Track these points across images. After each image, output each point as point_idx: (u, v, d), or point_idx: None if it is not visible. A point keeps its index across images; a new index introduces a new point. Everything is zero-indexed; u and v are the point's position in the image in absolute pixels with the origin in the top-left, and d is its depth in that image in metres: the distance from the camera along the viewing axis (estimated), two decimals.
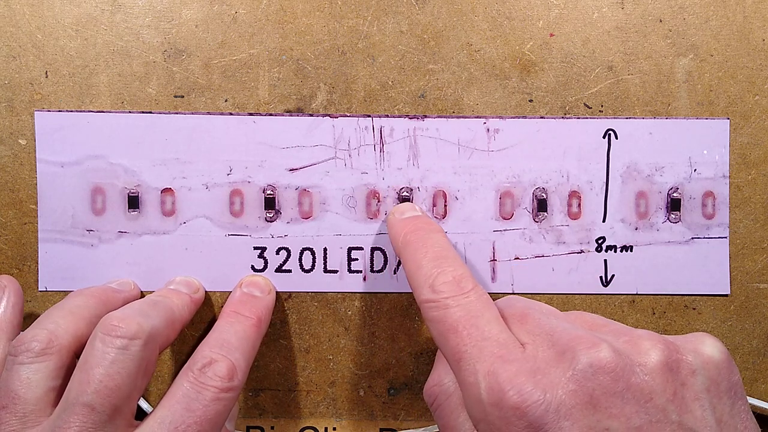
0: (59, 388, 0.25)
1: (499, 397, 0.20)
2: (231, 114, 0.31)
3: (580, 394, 0.20)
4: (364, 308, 0.32)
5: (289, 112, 0.31)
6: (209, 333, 0.27)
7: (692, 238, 0.32)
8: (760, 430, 0.22)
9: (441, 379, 0.26)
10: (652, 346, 0.21)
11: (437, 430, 0.32)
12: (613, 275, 0.32)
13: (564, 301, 0.32)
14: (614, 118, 0.31)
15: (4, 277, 0.29)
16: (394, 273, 0.32)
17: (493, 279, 0.32)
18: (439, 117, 0.31)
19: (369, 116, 0.31)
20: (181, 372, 0.25)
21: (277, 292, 0.31)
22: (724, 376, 0.21)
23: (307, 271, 0.32)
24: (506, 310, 0.24)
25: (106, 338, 0.24)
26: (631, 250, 0.32)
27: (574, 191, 0.31)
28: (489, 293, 0.31)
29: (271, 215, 0.31)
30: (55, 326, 0.25)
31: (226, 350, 0.26)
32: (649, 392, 0.20)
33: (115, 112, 0.31)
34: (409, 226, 0.28)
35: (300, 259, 0.31)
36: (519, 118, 0.31)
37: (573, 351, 0.21)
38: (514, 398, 0.20)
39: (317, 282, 0.32)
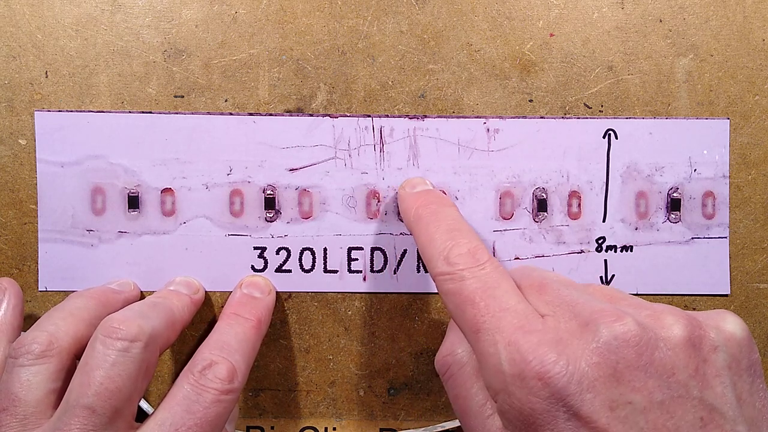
0: (59, 390, 0.25)
1: (522, 368, 0.20)
2: (231, 114, 0.31)
3: (604, 367, 0.20)
4: (364, 308, 0.32)
5: (289, 112, 0.31)
6: (209, 335, 0.27)
7: (692, 238, 0.32)
8: None
9: (454, 348, 0.25)
10: (675, 321, 0.21)
11: (438, 429, 0.32)
12: (613, 275, 0.32)
13: None
14: (614, 118, 0.31)
15: (5, 280, 0.29)
16: (394, 273, 0.32)
17: None
18: (439, 117, 0.31)
19: (369, 116, 0.31)
20: (181, 374, 0.25)
21: (277, 293, 0.31)
22: (744, 353, 0.21)
23: (307, 271, 0.32)
24: (523, 281, 0.24)
25: (107, 340, 0.24)
26: (631, 250, 0.32)
27: (574, 191, 0.31)
28: None
29: (271, 215, 0.31)
30: (55, 328, 0.25)
31: (226, 352, 0.26)
32: (672, 367, 0.20)
33: (115, 112, 0.31)
34: (421, 200, 0.28)
35: (300, 259, 0.31)
36: (519, 118, 0.31)
37: (596, 323, 0.21)
38: (537, 368, 0.20)
39: (317, 282, 0.32)
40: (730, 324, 0.22)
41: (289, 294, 0.32)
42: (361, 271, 0.32)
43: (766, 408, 0.21)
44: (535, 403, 0.20)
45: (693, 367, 0.20)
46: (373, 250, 0.32)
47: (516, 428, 0.21)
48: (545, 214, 0.31)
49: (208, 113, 0.31)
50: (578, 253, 0.32)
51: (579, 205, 0.31)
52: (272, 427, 0.32)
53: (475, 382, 0.24)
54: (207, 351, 0.26)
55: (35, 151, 0.31)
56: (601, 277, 0.32)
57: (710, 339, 0.21)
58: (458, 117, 0.31)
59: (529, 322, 0.21)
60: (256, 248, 0.31)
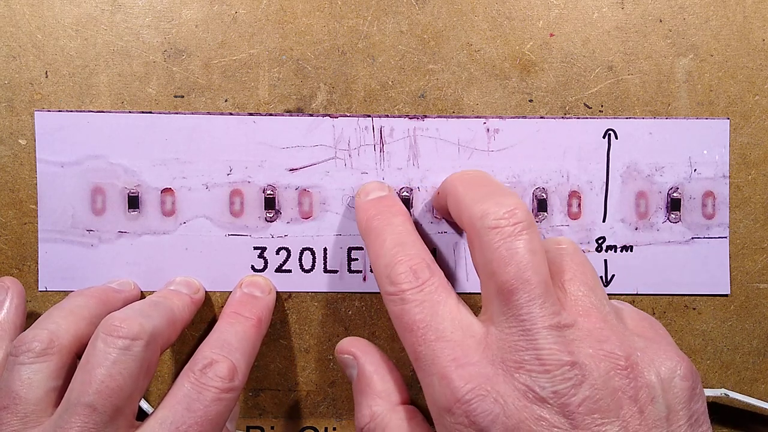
0: (60, 389, 0.25)
1: (451, 403, 0.21)
2: (231, 114, 0.31)
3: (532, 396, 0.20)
4: (364, 308, 0.32)
5: (289, 112, 0.31)
6: (210, 334, 0.27)
7: (692, 238, 0.32)
8: None
9: (372, 410, 0.25)
10: (608, 365, 0.21)
11: None
12: (613, 275, 0.32)
13: None
14: (614, 118, 0.31)
15: (7, 279, 0.29)
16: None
17: None
18: (439, 117, 0.31)
19: (369, 116, 0.31)
20: (181, 373, 0.25)
21: (277, 292, 0.31)
22: (684, 404, 0.21)
23: (307, 271, 0.32)
24: (495, 272, 0.23)
25: (108, 338, 0.24)
26: (631, 250, 0.32)
27: (574, 191, 0.31)
28: None
29: (271, 215, 0.31)
30: (56, 326, 0.25)
31: (226, 351, 0.26)
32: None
33: (115, 112, 0.31)
34: (372, 210, 0.27)
35: (300, 259, 0.31)
36: (519, 118, 0.31)
37: (526, 370, 0.21)
38: (464, 406, 0.20)
39: (317, 282, 0.32)
40: (671, 368, 0.22)
41: (289, 294, 0.32)
42: (361, 271, 0.32)
43: None
44: None
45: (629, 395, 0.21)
46: None
47: None
48: (545, 214, 0.31)
49: (208, 113, 0.31)
50: None
51: (579, 205, 0.31)
52: (272, 427, 0.32)
53: None
54: (207, 350, 0.26)
55: (35, 151, 0.31)
56: (601, 277, 0.32)
57: (649, 386, 0.21)
58: (458, 117, 0.31)
59: (464, 354, 0.22)
60: (256, 248, 0.31)
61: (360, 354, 0.26)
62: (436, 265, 0.25)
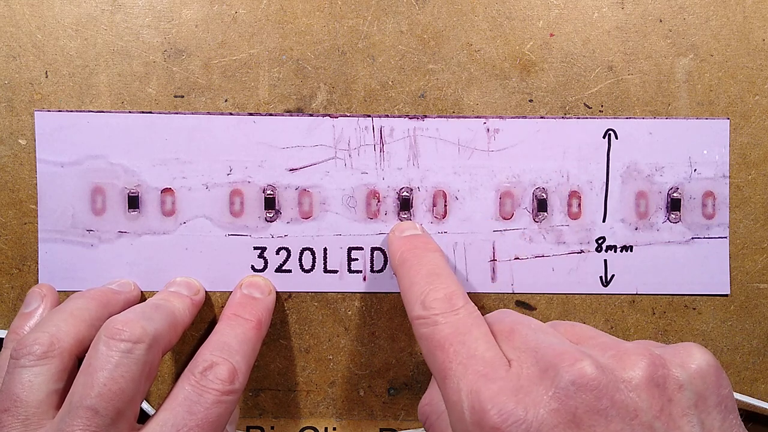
0: (61, 391, 0.25)
1: (481, 416, 0.20)
2: (231, 114, 0.31)
3: (563, 413, 0.19)
4: (364, 308, 0.32)
5: (289, 112, 0.31)
6: (210, 336, 0.27)
7: (692, 238, 0.32)
8: None
9: (432, 397, 0.26)
10: (637, 361, 0.21)
11: None
12: (613, 275, 0.32)
13: (564, 301, 0.32)
14: (614, 118, 0.31)
15: (44, 287, 0.30)
16: (394, 273, 0.32)
17: (493, 279, 0.32)
18: (439, 117, 0.31)
19: (369, 116, 0.31)
20: (182, 375, 0.25)
21: (277, 293, 0.31)
22: (712, 389, 0.21)
23: (307, 271, 0.32)
24: (495, 326, 0.24)
25: (110, 342, 0.24)
26: (631, 250, 0.32)
27: (574, 191, 0.31)
28: (489, 293, 0.32)
29: (271, 215, 0.31)
30: (57, 329, 0.25)
31: (226, 353, 0.26)
32: (635, 409, 0.20)
33: (115, 112, 0.31)
34: (407, 245, 0.28)
35: (300, 259, 0.31)
36: (519, 118, 0.31)
37: (555, 368, 0.20)
38: (495, 418, 0.20)
39: (317, 282, 0.32)
40: (696, 359, 0.21)
41: (289, 294, 0.32)
42: (361, 271, 0.32)
43: None
44: None
45: (657, 407, 0.20)
46: (373, 250, 0.32)
47: None
48: (545, 214, 0.31)
49: (208, 113, 0.31)
50: (578, 253, 0.32)
51: (579, 205, 0.31)
52: (272, 427, 0.32)
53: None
54: (208, 352, 0.26)
55: (35, 151, 0.31)
56: (601, 277, 0.32)
57: (674, 377, 0.20)
58: (458, 117, 0.31)
59: (494, 370, 0.21)
60: (256, 248, 0.31)
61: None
62: (469, 299, 0.25)
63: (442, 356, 0.22)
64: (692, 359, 0.21)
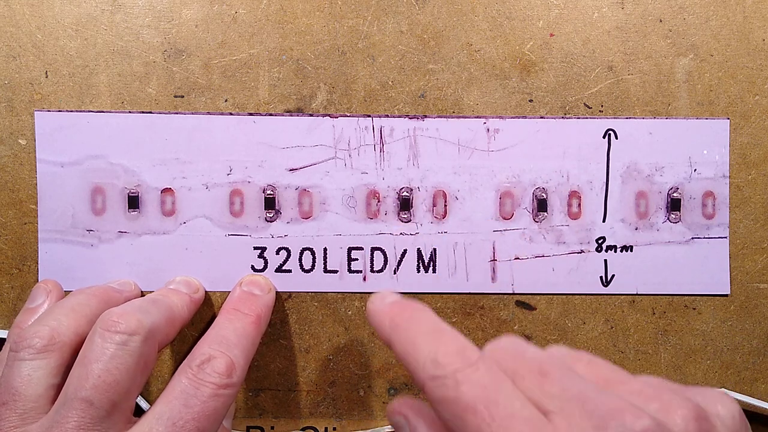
0: (59, 386, 0.25)
1: None
2: (231, 114, 0.31)
3: None
4: (363, 308, 0.32)
5: (289, 112, 0.31)
6: (208, 330, 0.27)
7: (692, 238, 0.32)
8: None
9: None
10: (685, 415, 0.20)
11: None
12: (613, 275, 0.32)
13: (564, 301, 0.32)
14: (614, 118, 0.31)
15: (50, 282, 0.30)
16: (394, 273, 0.32)
17: (493, 279, 0.32)
18: (439, 117, 0.31)
19: (369, 116, 0.31)
20: (179, 368, 0.25)
21: (277, 292, 0.31)
22: None
23: (307, 271, 0.32)
24: (518, 367, 0.21)
25: (106, 333, 0.24)
26: (631, 250, 0.32)
27: (574, 191, 0.31)
28: (489, 293, 0.32)
29: (271, 215, 0.31)
30: (57, 323, 0.25)
31: (224, 347, 0.26)
32: None
33: (115, 112, 0.31)
34: (395, 309, 0.25)
35: (300, 259, 0.31)
36: (519, 118, 0.31)
37: (614, 425, 0.19)
38: None
39: (317, 282, 0.32)
40: (729, 409, 0.21)
41: (289, 294, 0.32)
42: (361, 271, 0.32)
43: None
44: None
45: None
46: (373, 250, 0.32)
47: None
48: (545, 214, 0.31)
49: (208, 113, 0.31)
50: (578, 253, 0.32)
51: (579, 205, 0.31)
52: (272, 427, 0.32)
53: None
54: (206, 345, 0.26)
55: (35, 151, 0.31)
56: (601, 277, 0.32)
57: (717, 430, 0.20)
58: (458, 117, 0.31)
59: (539, 429, 0.19)
60: (256, 248, 0.31)
61: (413, 416, 0.24)
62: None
63: (475, 420, 0.20)
64: (726, 409, 0.21)
